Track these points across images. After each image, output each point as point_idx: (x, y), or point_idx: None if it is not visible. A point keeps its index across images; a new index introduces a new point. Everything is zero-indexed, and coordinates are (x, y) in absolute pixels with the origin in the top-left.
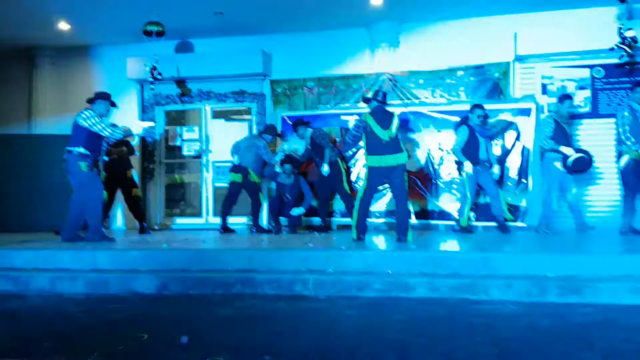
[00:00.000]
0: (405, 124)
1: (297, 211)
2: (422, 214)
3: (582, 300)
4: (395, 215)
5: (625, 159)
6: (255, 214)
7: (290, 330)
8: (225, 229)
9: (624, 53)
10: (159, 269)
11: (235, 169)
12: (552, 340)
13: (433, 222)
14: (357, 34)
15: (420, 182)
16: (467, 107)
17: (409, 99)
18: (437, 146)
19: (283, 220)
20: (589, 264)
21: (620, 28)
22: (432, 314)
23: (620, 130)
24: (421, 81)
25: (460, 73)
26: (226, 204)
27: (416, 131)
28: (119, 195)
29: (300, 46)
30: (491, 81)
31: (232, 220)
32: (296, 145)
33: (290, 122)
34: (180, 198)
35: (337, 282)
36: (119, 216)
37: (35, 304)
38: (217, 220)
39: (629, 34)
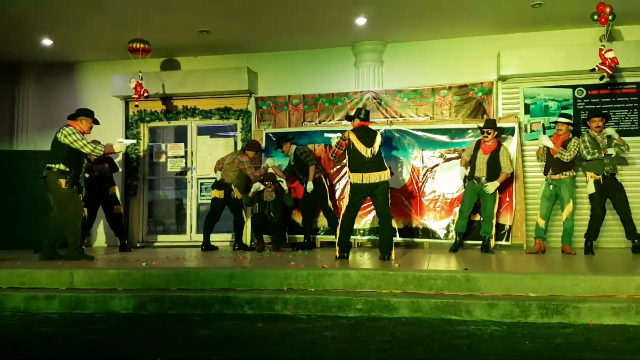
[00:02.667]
0: (390, 142)
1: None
2: (406, 231)
3: (564, 321)
4: (379, 232)
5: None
6: (237, 231)
7: (269, 353)
8: (207, 246)
9: (604, 74)
10: (136, 289)
11: (217, 185)
12: None
13: (417, 239)
14: (342, 53)
15: (404, 199)
16: (450, 125)
17: (393, 117)
18: (421, 163)
19: (266, 237)
20: (571, 284)
21: (601, 49)
22: (414, 335)
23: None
24: (405, 100)
25: (444, 92)
26: (208, 221)
27: (400, 149)
28: (101, 213)
29: (286, 64)
30: (475, 100)
31: (215, 237)
32: (279, 162)
33: (274, 139)
34: (164, 215)
35: (318, 302)
36: (101, 233)
37: (9, 324)
38: (201, 238)
39: (609, 55)
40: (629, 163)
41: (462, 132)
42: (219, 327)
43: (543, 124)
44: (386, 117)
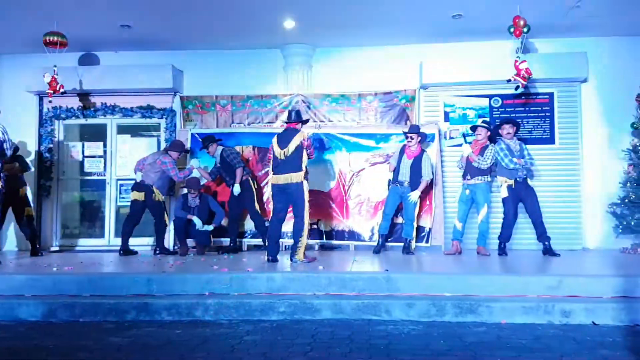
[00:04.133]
0: (321, 145)
1: (205, 227)
2: (333, 233)
3: (478, 320)
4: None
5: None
6: (159, 234)
7: None
8: (125, 250)
9: (519, 85)
10: (46, 295)
11: (137, 187)
12: None
13: (343, 242)
14: (272, 55)
15: (331, 202)
16: (376, 130)
17: (322, 120)
18: (347, 167)
19: (190, 240)
20: (484, 284)
21: (516, 61)
22: (335, 336)
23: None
24: (333, 104)
25: (370, 98)
26: (127, 224)
27: (328, 152)
28: (11, 215)
29: (214, 63)
30: (399, 107)
31: (136, 241)
32: (205, 163)
33: (200, 139)
34: (80, 217)
35: (241, 306)
36: (11, 237)
37: None
38: (120, 241)
39: (523, 66)
40: (540, 169)
41: (386, 137)
42: (135, 334)
43: (464, 133)
44: (315, 121)
